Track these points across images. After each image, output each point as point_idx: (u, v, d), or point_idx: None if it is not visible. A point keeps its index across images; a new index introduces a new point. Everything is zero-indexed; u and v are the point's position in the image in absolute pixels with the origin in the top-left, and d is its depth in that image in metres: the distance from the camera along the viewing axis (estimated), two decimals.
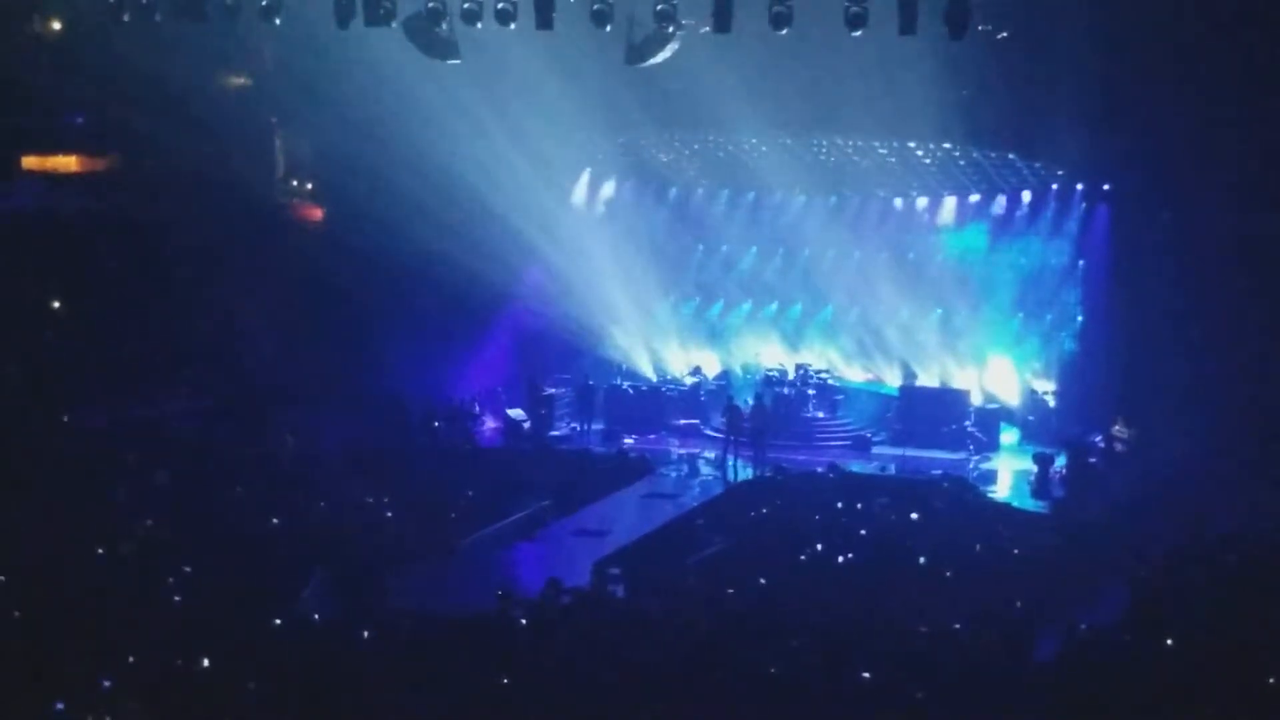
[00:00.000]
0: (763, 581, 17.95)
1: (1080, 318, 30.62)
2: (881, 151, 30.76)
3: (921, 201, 33.14)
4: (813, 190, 33.43)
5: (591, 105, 28.02)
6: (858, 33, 19.95)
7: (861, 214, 33.58)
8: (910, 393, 31.63)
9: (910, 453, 28.95)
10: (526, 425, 30.44)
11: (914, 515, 22.26)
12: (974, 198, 32.33)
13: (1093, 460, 26.25)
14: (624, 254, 32.33)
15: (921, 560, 19.16)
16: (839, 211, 33.66)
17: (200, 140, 28.82)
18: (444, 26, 21.30)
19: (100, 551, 18.65)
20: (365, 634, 15.34)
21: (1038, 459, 26.89)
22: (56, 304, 28.48)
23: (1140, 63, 23.74)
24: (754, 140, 31.16)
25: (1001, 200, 31.87)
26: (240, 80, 30.64)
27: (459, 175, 28.87)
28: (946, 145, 29.91)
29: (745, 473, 27.36)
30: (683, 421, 31.49)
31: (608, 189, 34.24)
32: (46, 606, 16.07)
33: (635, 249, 32.57)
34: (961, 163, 30.85)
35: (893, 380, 33.03)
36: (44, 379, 25.90)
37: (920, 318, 32.84)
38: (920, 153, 30.63)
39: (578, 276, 32.00)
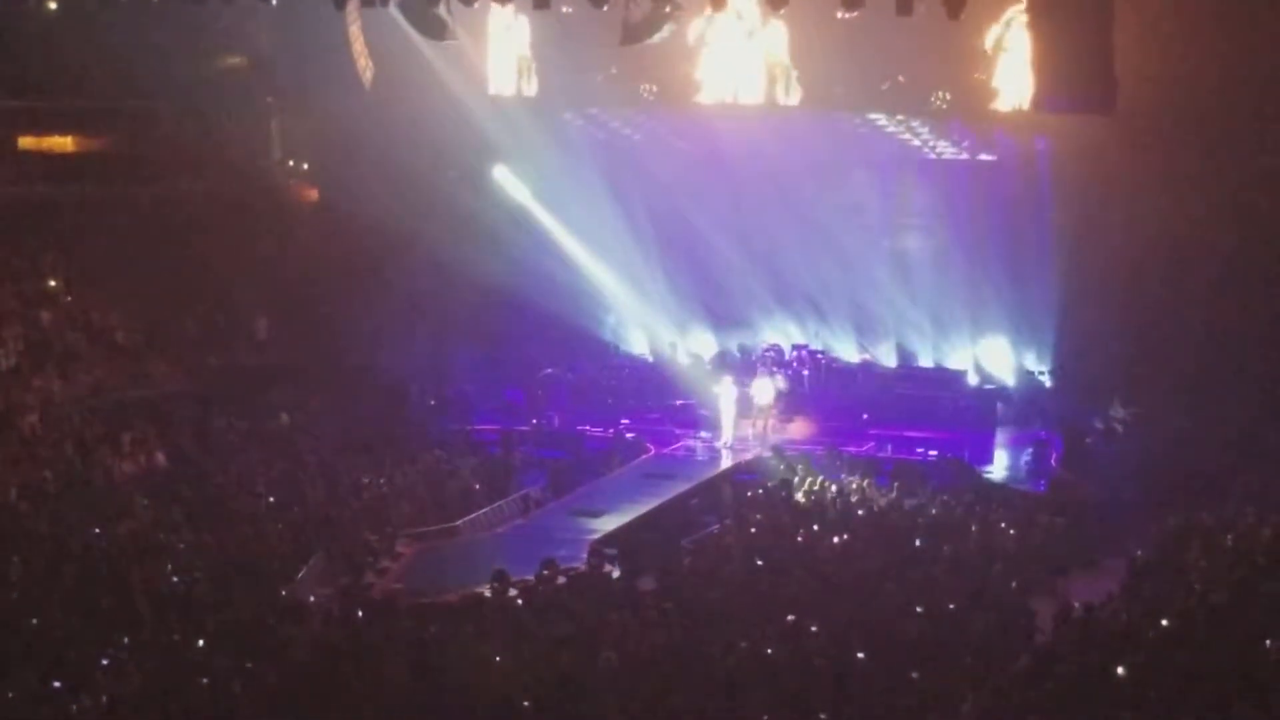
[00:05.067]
0: (759, 562, 17.98)
1: (1077, 297, 30.55)
2: (881, 123, 30.62)
3: (916, 174, 33.01)
4: (806, 168, 33.19)
5: (585, 81, 27.98)
6: (854, 13, 19.83)
7: (854, 190, 33.34)
8: (906, 373, 31.60)
9: (906, 433, 28.91)
10: (523, 406, 30.41)
11: (909, 497, 22.35)
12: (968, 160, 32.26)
13: (1089, 440, 26.27)
14: (621, 233, 32.21)
15: (918, 542, 19.19)
16: (830, 189, 33.37)
17: (197, 121, 28.77)
18: (440, 7, 21.25)
19: (98, 531, 18.70)
20: (360, 615, 15.40)
21: (1034, 439, 26.86)
22: (52, 283, 28.45)
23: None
24: (737, 122, 31.02)
25: (995, 172, 31.76)
26: (237, 62, 30.55)
27: (455, 156, 28.79)
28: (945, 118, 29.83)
29: (741, 453, 27.35)
30: (679, 401, 31.41)
31: (600, 168, 33.97)
32: (44, 586, 16.13)
33: (633, 228, 32.42)
34: (954, 134, 30.77)
35: (889, 360, 32.98)
36: (41, 360, 25.88)
37: (916, 297, 32.69)
38: (915, 123, 30.51)
39: (574, 256, 31.97)
